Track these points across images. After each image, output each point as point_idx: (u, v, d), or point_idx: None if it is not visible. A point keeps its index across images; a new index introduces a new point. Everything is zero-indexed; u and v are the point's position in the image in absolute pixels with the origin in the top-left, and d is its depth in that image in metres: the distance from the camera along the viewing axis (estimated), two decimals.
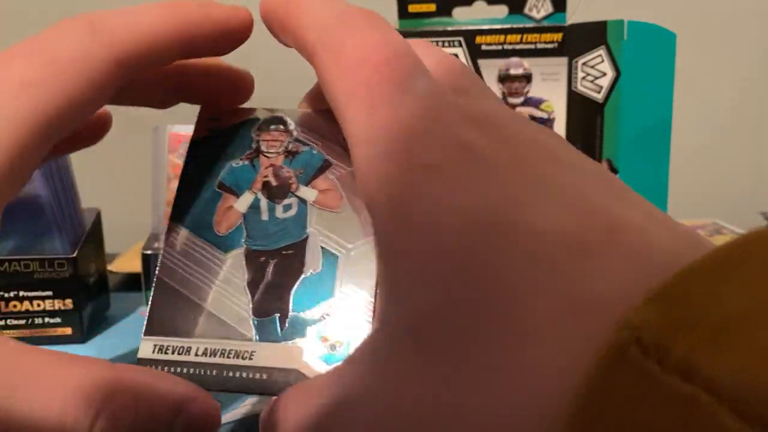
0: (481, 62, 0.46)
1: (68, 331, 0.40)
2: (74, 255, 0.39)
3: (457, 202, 0.13)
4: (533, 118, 0.46)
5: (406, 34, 0.47)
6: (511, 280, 0.13)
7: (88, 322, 0.41)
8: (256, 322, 0.21)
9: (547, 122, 0.46)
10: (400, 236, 0.14)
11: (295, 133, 0.25)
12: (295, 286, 0.21)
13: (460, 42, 0.45)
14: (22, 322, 0.39)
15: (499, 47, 0.45)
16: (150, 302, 0.22)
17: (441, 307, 0.13)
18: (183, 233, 0.22)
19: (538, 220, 0.13)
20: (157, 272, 0.22)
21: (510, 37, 0.45)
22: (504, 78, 0.45)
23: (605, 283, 0.12)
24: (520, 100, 0.46)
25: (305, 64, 0.22)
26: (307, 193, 0.23)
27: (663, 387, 0.10)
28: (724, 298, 0.10)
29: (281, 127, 0.25)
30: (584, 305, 0.12)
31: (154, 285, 0.22)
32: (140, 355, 0.21)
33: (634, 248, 0.13)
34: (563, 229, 0.13)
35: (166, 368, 0.20)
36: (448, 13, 0.47)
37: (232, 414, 0.32)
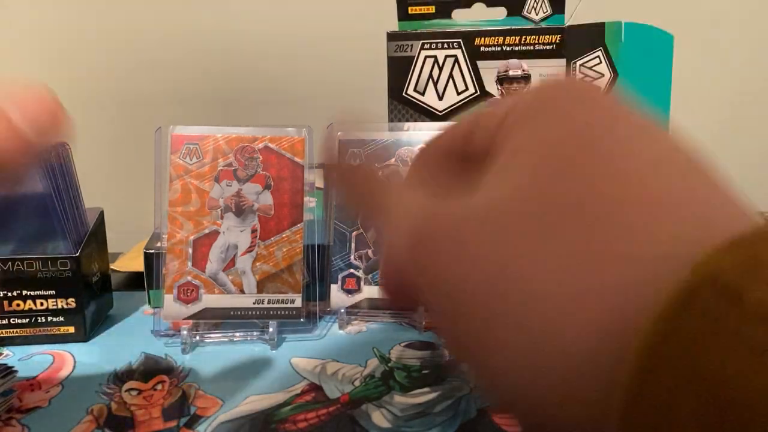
0: (480, 63, 0.46)
1: (71, 329, 0.40)
2: (77, 254, 0.39)
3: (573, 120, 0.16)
4: None
5: (407, 36, 0.47)
6: (620, 149, 0.14)
7: (91, 321, 0.41)
8: None
9: None
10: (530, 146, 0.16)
11: None
12: None
13: (459, 43, 0.46)
14: (25, 321, 0.39)
15: (498, 48, 0.46)
16: None
17: (556, 185, 0.14)
18: None
19: (632, 146, 0.15)
20: None
21: (509, 39, 0.45)
22: (503, 79, 0.46)
23: (697, 204, 0.14)
24: None
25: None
26: None
27: (737, 330, 0.10)
28: None
29: None
30: (672, 225, 0.13)
31: None
32: None
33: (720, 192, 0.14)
34: (656, 156, 0.15)
35: None
36: (448, 15, 0.47)
37: (234, 412, 0.32)
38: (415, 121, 0.47)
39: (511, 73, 0.46)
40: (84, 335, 0.40)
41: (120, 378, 0.36)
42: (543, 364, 0.13)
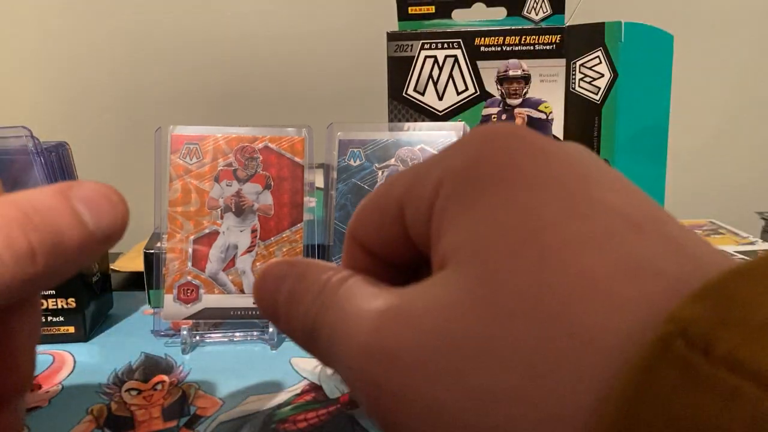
0: (480, 63, 0.46)
1: (71, 329, 0.40)
2: None
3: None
4: (531, 118, 0.46)
5: (407, 36, 0.47)
6: (570, 233, 0.14)
7: (91, 321, 0.41)
8: None
9: (546, 123, 0.47)
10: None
11: None
12: None
13: (459, 43, 0.46)
14: None
15: (498, 48, 0.46)
16: None
17: (505, 257, 0.14)
18: None
19: (595, 195, 0.14)
20: None
21: (509, 39, 0.45)
22: (503, 79, 0.46)
23: (659, 260, 0.13)
24: (519, 101, 0.46)
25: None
26: None
27: (708, 378, 0.10)
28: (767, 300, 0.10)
29: None
30: (637, 279, 0.13)
31: None
32: None
33: (678, 243, 0.14)
34: (618, 206, 0.14)
35: None
36: (448, 15, 0.47)
37: (234, 412, 0.32)
38: (415, 121, 0.47)
39: (511, 73, 0.46)
40: (84, 335, 0.40)
41: (120, 378, 0.36)
42: None
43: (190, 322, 0.39)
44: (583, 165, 0.16)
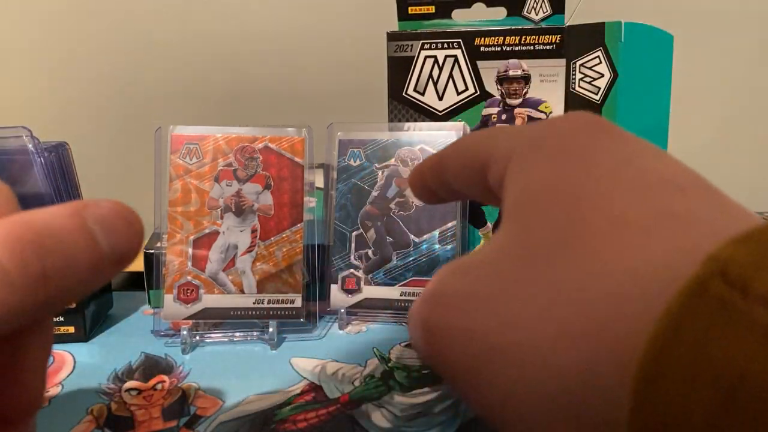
0: (480, 63, 0.46)
1: (71, 329, 0.40)
2: None
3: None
4: (531, 118, 0.46)
5: (407, 36, 0.47)
6: (615, 187, 0.15)
7: (91, 321, 0.41)
8: None
9: None
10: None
11: None
12: None
13: (459, 43, 0.46)
14: None
15: (498, 48, 0.46)
16: None
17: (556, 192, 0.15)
18: None
19: (642, 162, 0.16)
20: None
21: (509, 39, 0.45)
22: (503, 79, 0.46)
23: (700, 213, 0.14)
24: (519, 101, 0.46)
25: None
26: None
27: (745, 315, 0.10)
28: None
29: None
30: (679, 228, 0.13)
31: None
32: None
33: (719, 202, 0.15)
34: (663, 171, 0.15)
35: None
36: (448, 15, 0.47)
37: (234, 412, 0.32)
38: (415, 121, 0.47)
39: (511, 73, 0.46)
40: (84, 335, 0.40)
41: (120, 378, 0.36)
42: (551, 398, 0.14)
43: (190, 322, 0.39)
44: (635, 141, 0.17)
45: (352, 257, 0.43)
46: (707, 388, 0.10)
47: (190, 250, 0.40)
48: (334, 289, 0.43)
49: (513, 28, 0.45)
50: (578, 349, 0.13)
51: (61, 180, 0.40)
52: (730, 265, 0.11)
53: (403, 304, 0.42)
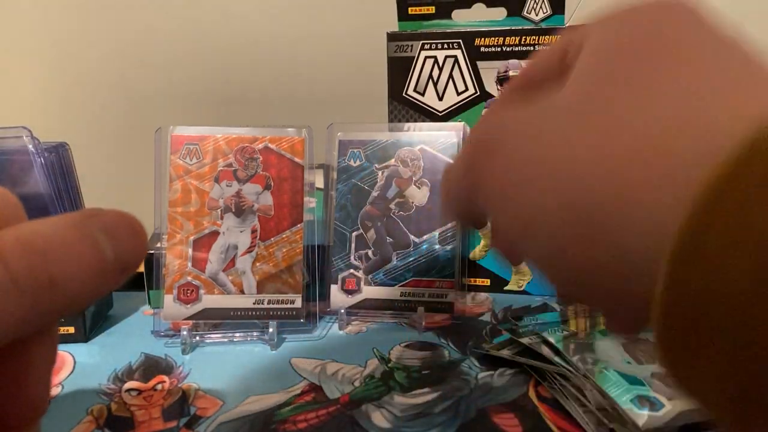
0: (480, 64, 0.46)
1: (71, 330, 0.40)
2: None
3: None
4: None
5: (407, 36, 0.47)
6: (675, 56, 0.15)
7: (91, 321, 0.41)
8: None
9: None
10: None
11: None
12: None
13: (459, 44, 0.46)
14: None
15: (498, 49, 0.46)
16: None
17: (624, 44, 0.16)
18: None
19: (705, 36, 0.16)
20: None
21: (509, 39, 0.45)
22: (503, 79, 0.46)
23: (756, 76, 0.14)
24: None
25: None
26: None
27: None
28: None
29: None
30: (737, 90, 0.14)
31: None
32: None
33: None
34: (715, 44, 0.16)
35: None
36: (448, 16, 0.47)
37: (234, 412, 0.32)
38: (415, 121, 0.47)
39: (511, 73, 0.46)
40: (84, 335, 0.40)
41: (120, 378, 0.36)
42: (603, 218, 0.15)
43: (190, 322, 0.39)
44: (714, 29, 0.17)
45: (352, 257, 0.43)
46: (749, 256, 0.10)
47: (190, 251, 0.40)
48: (334, 290, 0.43)
49: (513, 28, 0.45)
50: (619, 174, 0.14)
51: (61, 180, 0.40)
52: None
53: (403, 305, 0.42)
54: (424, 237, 0.43)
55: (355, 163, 0.44)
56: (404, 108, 0.48)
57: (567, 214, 0.15)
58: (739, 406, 0.12)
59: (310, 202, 0.42)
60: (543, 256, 0.17)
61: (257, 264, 0.40)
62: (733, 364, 0.11)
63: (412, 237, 0.43)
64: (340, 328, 0.42)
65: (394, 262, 0.43)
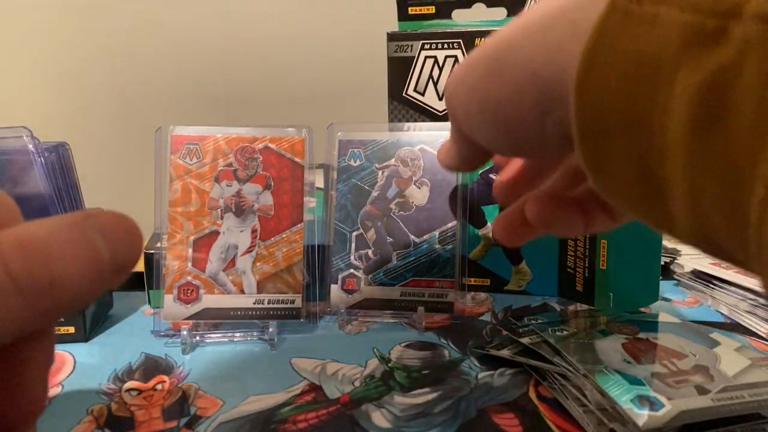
0: None
1: (71, 330, 0.40)
2: None
3: None
4: None
5: (407, 36, 0.47)
6: None
7: (91, 321, 0.41)
8: None
9: None
10: None
11: None
12: None
13: (459, 44, 0.46)
14: None
15: None
16: None
17: None
18: None
19: None
20: None
21: None
22: None
23: None
24: None
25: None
26: None
27: (639, 14, 0.16)
28: None
29: None
30: None
31: None
32: None
33: None
34: None
35: None
36: (448, 15, 0.47)
37: (234, 412, 0.32)
38: (415, 121, 0.47)
39: None
40: (84, 335, 0.40)
41: (120, 378, 0.36)
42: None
43: (190, 322, 0.39)
44: None
45: (352, 257, 0.43)
46: (617, 66, 0.16)
47: (190, 251, 0.40)
48: (334, 289, 0.43)
49: None
50: (531, 27, 0.19)
51: (61, 180, 0.40)
52: None
53: (403, 304, 0.42)
54: (424, 237, 0.43)
55: (355, 162, 0.44)
56: (404, 108, 0.48)
57: (489, 62, 0.20)
58: (636, 189, 0.17)
59: (310, 201, 0.42)
60: (473, 113, 0.22)
61: (257, 264, 0.40)
62: (629, 148, 0.16)
63: (412, 237, 0.43)
64: (340, 328, 0.42)
65: (394, 262, 0.43)
